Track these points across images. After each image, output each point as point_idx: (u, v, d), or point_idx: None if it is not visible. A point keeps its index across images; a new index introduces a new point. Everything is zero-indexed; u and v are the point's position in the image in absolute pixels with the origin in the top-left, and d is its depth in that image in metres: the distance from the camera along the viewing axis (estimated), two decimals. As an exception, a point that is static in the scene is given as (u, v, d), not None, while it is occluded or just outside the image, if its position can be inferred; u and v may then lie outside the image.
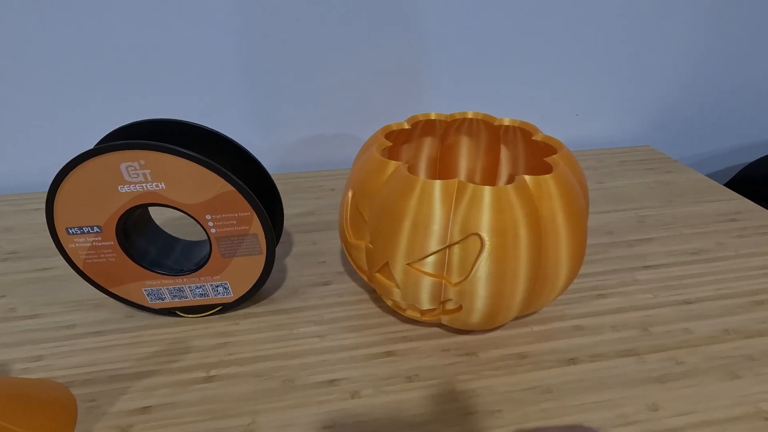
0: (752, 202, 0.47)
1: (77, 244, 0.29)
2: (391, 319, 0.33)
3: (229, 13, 0.45)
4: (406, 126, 0.34)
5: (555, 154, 0.30)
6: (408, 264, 0.27)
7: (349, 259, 0.32)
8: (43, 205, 0.45)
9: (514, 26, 0.51)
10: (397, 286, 0.28)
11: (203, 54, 0.47)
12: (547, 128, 0.60)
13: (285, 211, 0.46)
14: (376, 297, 0.35)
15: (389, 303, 0.31)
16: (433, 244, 0.26)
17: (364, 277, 0.32)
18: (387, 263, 0.28)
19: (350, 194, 0.31)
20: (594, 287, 0.36)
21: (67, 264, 0.38)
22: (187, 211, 0.28)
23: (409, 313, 0.30)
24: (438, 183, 0.26)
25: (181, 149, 0.25)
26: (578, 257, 0.28)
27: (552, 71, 0.55)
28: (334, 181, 0.52)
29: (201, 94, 0.49)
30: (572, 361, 0.29)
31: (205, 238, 0.34)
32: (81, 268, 0.30)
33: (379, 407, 0.26)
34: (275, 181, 0.52)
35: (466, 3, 0.49)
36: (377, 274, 0.29)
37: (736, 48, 0.57)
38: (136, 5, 0.43)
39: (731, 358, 0.29)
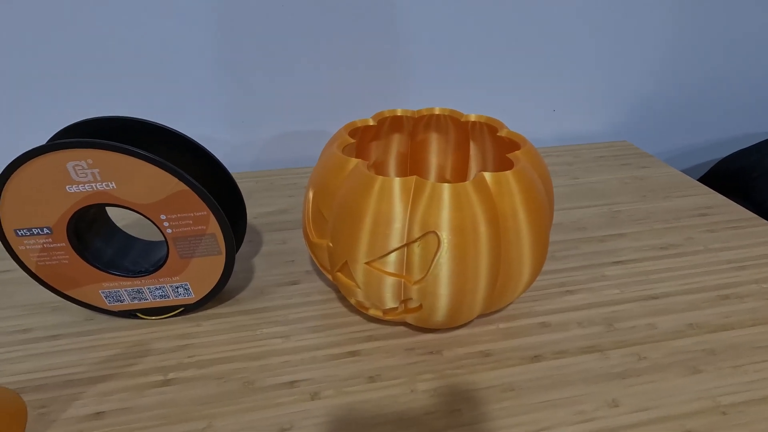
0: (723, 197, 0.47)
1: (27, 246, 0.28)
2: (357, 318, 0.32)
3: (200, 4, 0.44)
4: (372, 122, 0.34)
5: (518, 149, 0.30)
6: (367, 263, 0.26)
7: (314, 258, 0.32)
8: None
9: (492, 23, 0.51)
10: (358, 285, 0.28)
11: (172, 47, 0.46)
12: (525, 124, 0.59)
13: (257, 210, 0.45)
14: (343, 296, 0.34)
15: (352, 302, 0.30)
16: (393, 243, 0.25)
17: (329, 277, 0.31)
18: (347, 262, 0.27)
19: (311, 193, 0.30)
20: (562, 283, 0.35)
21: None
22: (140, 211, 0.27)
23: (373, 312, 0.30)
24: (397, 180, 0.25)
25: (129, 147, 0.24)
26: (541, 253, 0.28)
27: (529, 66, 0.55)
28: (308, 178, 0.51)
29: (171, 89, 0.48)
30: (536, 359, 0.29)
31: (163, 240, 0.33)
32: (33, 271, 0.29)
33: (338, 408, 0.26)
34: (248, 179, 0.51)
35: (444, 1, 0.48)
36: (339, 274, 0.29)
37: (713, 44, 0.58)
38: (98, -1, 0.42)
39: (693, 353, 0.29)
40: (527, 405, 0.26)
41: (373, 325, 0.32)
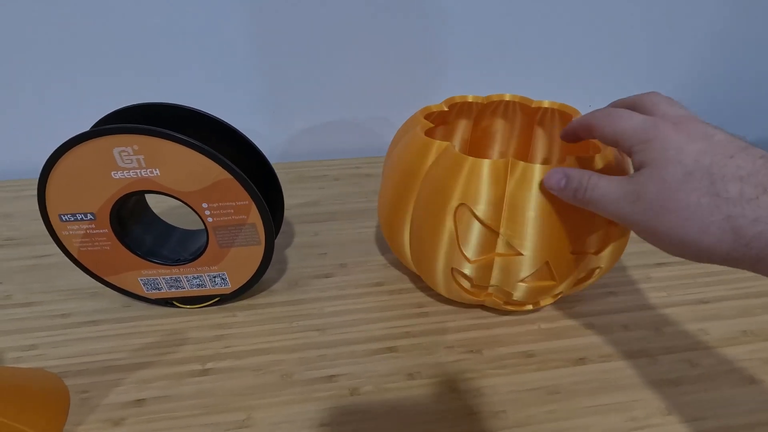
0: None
1: (71, 232, 0.28)
2: (393, 313, 0.32)
3: (232, -4, 0.44)
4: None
5: None
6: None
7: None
8: (43, 192, 0.45)
9: (530, 16, 0.49)
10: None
11: (208, 38, 0.46)
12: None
13: (287, 201, 0.45)
14: (379, 291, 0.34)
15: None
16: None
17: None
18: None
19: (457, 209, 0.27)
20: (604, 284, 0.34)
21: (64, 251, 0.37)
22: (182, 199, 0.27)
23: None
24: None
25: (175, 134, 0.24)
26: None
27: (566, 60, 0.53)
28: (338, 170, 0.51)
29: (206, 79, 0.48)
30: (581, 361, 0.28)
31: (201, 228, 0.33)
32: (75, 256, 0.29)
33: (378, 405, 0.26)
34: (278, 170, 0.50)
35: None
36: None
37: (755, 41, 0.55)
38: (136, -14, 0.42)
39: (749, 361, 0.28)
40: (576, 409, 0.25)
41: (409, 321, 0.31)
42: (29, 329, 0.30)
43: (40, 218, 0.27)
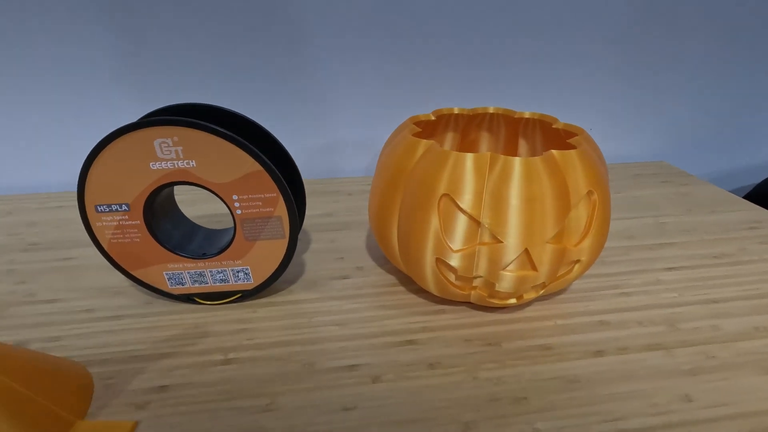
0: (772, 212, 0.47)
1: (104, 223, 0.29)
2: (411, 310, 0.32)
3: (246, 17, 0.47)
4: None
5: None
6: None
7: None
8: (65, 203, 0.46)
9: (529, 40, 0.53)
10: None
11: (225, 58, 0.49)
12: (560, 142, 0.60)
13: (303, 212, 0.46)
14: (396, 291, 0.35)
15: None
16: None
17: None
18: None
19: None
20: (615, 285, 0.35)
21: (86, 254, 0.38)
22: (214, 190, 0.28)
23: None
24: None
25: (213, 126, 0.26)
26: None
27: (566, 84, 0.56)
28: (351, 187, 0.52)
29: (222, 99, 0.51)
30: (599, 354, 0.28)
31: (225, 228, 0.35)
32: (105, 249, 0.30)
33: (400, 391, 0.26)
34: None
35: (472, 12, 0.51)
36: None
37: (752, 65, 0.58)
38: None
39: (764, 354, 0.28)
40: (597, 396, 0.25)
41: (427, 317, 0.32)
42: (53, 323, 0.31)
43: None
